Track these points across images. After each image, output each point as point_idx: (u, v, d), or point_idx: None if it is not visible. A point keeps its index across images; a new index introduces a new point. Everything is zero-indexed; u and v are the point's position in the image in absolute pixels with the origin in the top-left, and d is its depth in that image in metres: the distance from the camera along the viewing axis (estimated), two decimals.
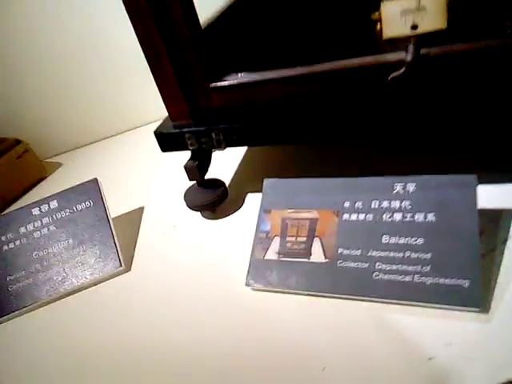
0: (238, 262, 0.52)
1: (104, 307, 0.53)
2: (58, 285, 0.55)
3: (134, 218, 0.67)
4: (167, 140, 0.56)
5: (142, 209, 0.69)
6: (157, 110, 0.93)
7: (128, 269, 0.57)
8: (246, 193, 0.64)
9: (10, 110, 0.90)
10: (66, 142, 0.97)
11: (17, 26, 0.83)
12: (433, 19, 0.49)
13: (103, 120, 0.97)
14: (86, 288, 0.56)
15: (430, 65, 0.43)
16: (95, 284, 0.56)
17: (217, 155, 0.69)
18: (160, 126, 0.57)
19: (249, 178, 0.68)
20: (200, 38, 0.50)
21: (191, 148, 0.55)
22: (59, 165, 0.92)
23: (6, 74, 0.86)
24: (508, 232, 0.46)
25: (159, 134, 0.56)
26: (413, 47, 0.42)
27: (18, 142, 0.83)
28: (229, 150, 0.76)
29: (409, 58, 0.41)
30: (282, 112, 0.50)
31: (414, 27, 0.46)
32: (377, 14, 0.58)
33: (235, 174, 0.70)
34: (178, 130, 0.54)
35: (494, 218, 0.48)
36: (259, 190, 0.63)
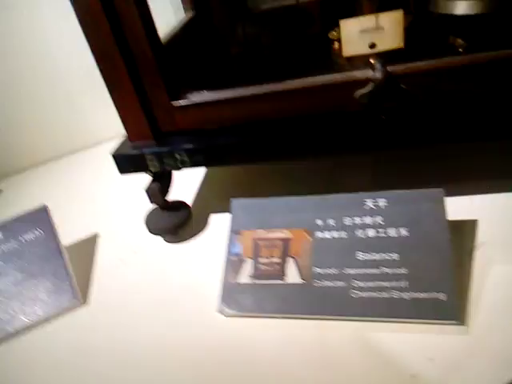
0: (207, 287, 0.49)
1: (58, 346, 0.48)
2: (6, 324, 0.49)
3: (89, 245, 0.62)
4: (126, 162, 0.52)
5: (96, 236, 0.64)
6: (105, 129, 0.89)
7: (84, 302, 0.52)
8: (209, 213, 0.62)
9: None
10: (5, 166, 0.89)
11: None
12: (390, 38, 0.50)
13: (45, 141, 0.90)
14: (38, 326, 0.50)
15: (396, 82, 0.44)
16: (48, 321, 0.51)
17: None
18: (118, 147, 0.53)
19: (210, 198, 0.66)
20: (162, 53, 0.48)
21: (153, 170, 0.52)
22: None
23: None
24: (473, 242, 0.47)
25: (117, 156, 0.52)
26: (380, 65, 0.43)
27: None
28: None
29: (378, 75, 0.42)
30: (249, 131, 0.49)
31: (372, 46, 0.47)
32: (334, 32, 0.59)
33: (196, 194, 0.68)
34: (138, 152, 0.51)
35: (458, 229, 0.49)
36: (223, 211, 0.62)
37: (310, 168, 0.66)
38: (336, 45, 0.59)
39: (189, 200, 0.65)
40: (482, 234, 0.48)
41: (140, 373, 0.43)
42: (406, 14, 0.49)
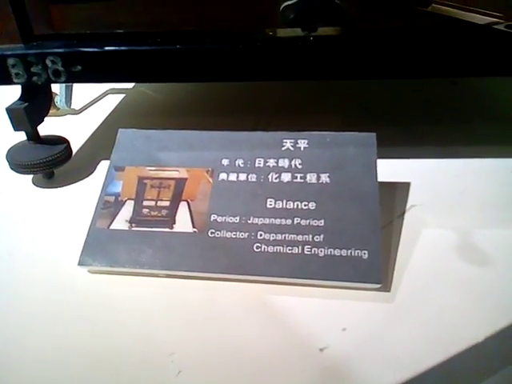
0: (75, 239, 0.37)
1: None
2: None
3: None
4: None
5: None
6: None
7: None
8: (98, 160, 0.50)
9: None
10: None
11: None
12: None
13: None
14: None
15: None
16: None
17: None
18: None
19: (107, 142, 0.53)
20: None
21: (17, 81, 0.39)
22: None
23: None
24: (405, 205, 0.40)
25: None
26: None
27: None
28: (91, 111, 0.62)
29: None
30: (146, 40, 0.38)
31: None
32: None
33: (90, 136, 0.55)
34: (1, 53, 0.39)
35: (389, 191, 0.42)
36: None
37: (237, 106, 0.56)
38: None
39: (79, 141, 0.53)
40: (413, 198, 0.41)
41: None
42: None
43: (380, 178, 0.36)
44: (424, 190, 0.42)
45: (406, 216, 0.39)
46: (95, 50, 0.38)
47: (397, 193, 0.42)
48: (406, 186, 0.43)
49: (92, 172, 0.48)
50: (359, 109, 0.58)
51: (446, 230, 0.37)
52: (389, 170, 0.43)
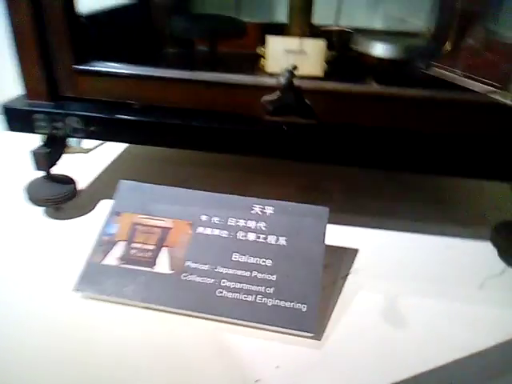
0: (73, 268, 0.45)
1: None
2: None
3: None
4: (18, 117, 0.48)
5: None
6: None
7: None
8: (99, 199, 0.58)
9: None
10: None
11: None
12: (311, 65, 0.52)
13: None
14: None
15: (301, 96, 0.45)
16: None
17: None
18: (13, 100, 0.49)
19: (109, 184, 0.62)
20: (75, 16, 0.46)
21: (40, 132, 0.48)
22: None
23: None
24: (350, 268, 0.48)
25: (9, 109, 0.48)
26: (288, 73, 0.44)
27: None
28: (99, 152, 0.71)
29: (283, 80, 0.43)
30: (151, 112, 0.47)
31: (294, 68, 0.47)
32: (262, 49, 0.60)
33: (96, 177, 0.64)
34: (31, 108, 0.48)
35: (339, 255, 0.50)
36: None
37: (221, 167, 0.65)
38: (262, 61, 0.60)
39: (84, 181, 0.62)
40: (358, 263, 0.49)
41: None
42: (330, 50, 0.52)
43: (334, 242, 0.44)
44: (369, 256, 0.50)
45: (349, 278, 0.47)
46: (108, 116, 0.47)
47: (345, 257, 0.50)
48: (354, 251, 0.51)
49: (93, 208, 0.56)
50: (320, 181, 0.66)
51: (378, 293, 0.45)
52: (342, 234, 0.52)
